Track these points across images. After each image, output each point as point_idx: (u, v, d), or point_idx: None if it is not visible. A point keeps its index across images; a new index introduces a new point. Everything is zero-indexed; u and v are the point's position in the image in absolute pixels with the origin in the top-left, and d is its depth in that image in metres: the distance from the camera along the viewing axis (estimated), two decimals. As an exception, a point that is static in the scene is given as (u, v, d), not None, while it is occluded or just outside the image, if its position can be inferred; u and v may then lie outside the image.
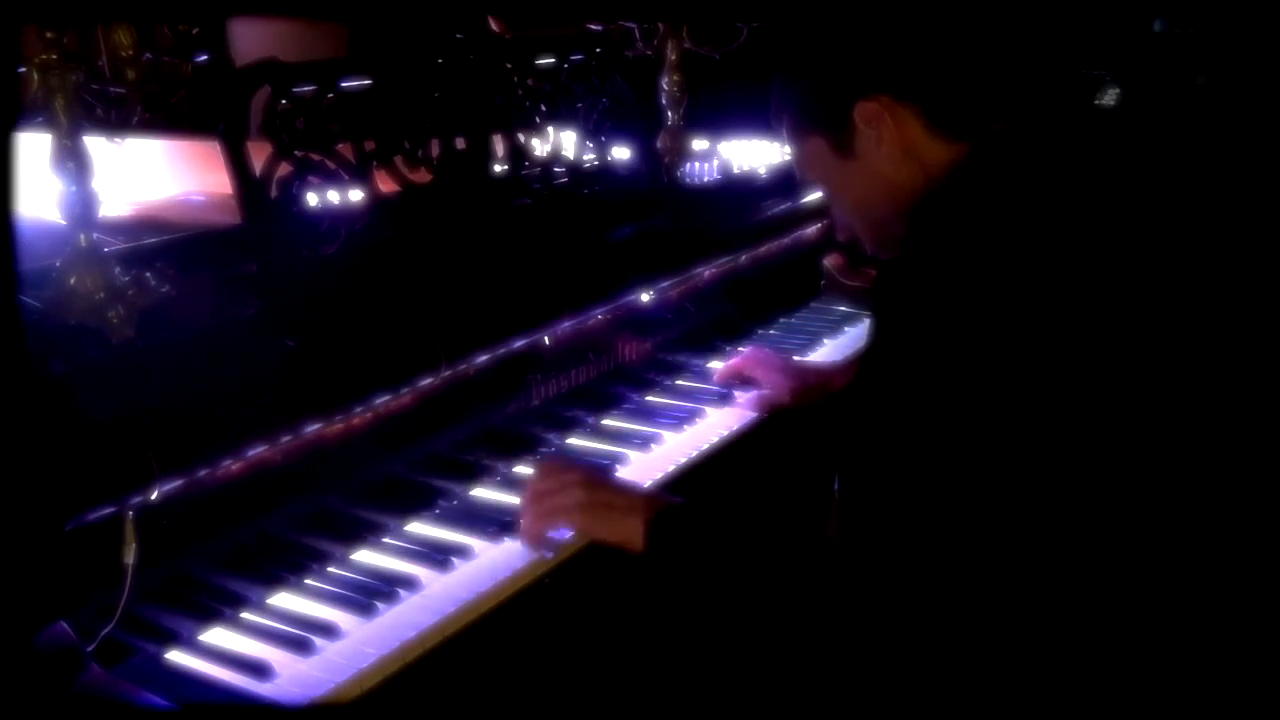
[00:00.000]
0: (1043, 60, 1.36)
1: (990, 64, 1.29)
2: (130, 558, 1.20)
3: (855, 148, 1.31)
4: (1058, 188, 1.24)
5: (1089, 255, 1.18)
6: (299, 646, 1.25)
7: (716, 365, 2.14)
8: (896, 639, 1.21)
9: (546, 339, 1.79)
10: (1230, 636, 1.21)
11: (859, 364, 1.29)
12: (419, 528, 1.52)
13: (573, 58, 1.95)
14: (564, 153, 1.94)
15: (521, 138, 1.84)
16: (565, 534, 1.47)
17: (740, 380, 2.00)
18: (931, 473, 1.15)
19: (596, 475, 1.52)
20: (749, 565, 1.32)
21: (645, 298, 2.00)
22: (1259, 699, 1.20)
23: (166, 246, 1.60)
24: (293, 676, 1.21)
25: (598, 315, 1.89)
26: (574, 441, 1.81)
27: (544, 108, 1.89)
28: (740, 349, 2.22)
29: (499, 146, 1.81)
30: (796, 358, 2.13)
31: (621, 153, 2.07)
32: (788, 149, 2.53)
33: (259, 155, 1.48)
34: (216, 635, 1.29)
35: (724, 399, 1.96)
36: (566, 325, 1.80)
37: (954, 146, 1.27)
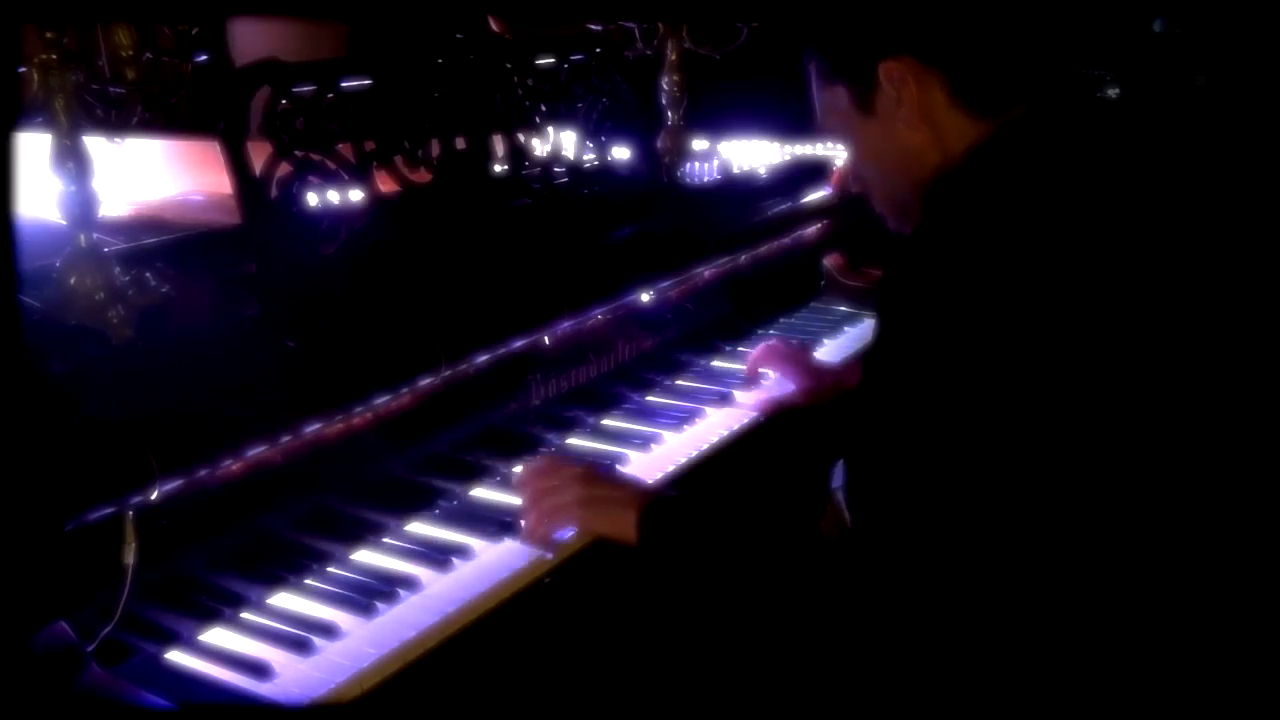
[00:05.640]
0: (1058, 52, 1.35)
1: (1017, 42, 1.27)
2: (130, 558, 1.20)
3: (876, 105, 1.28)
4: (1077, 184, 1.22)
5: (1106, 255, 1.16)
6: (299, 646, 1.25)
7: (718, 365, 2.15)
8: (896, 632, 1.21)
9: (546, 339, 1.78)
10: (1231, 628, 1.21)
11: (865, 358, 1.28)
12: (419, 528, 1.52)
13: (573, 58, 1.95)
14: (564, 153, 1.94)
15: (521, 138, 1.84)
16: (566, 533, 1.47)
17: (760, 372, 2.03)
18: (940, 467, 1.15)
19: (593, 471, 1.54)
20: (740, 556, 1.33)
21: (645, 298, 2.00)
22: (1259, 691, 1.20)
23: (166, 246, 1.60)
24: (293, 676, 1.21)
25: (598, 315, 1.89)
26: (574, 441, 1.81)
27: (544, 108, 1.89)
28: (742, 349, 2.23)
29: (499, 146, 1.81)
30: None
31: (621, 153, 2.07)
32: (786, 148, 2.58)
33: (259, 155, 1.48)
34: (216, 635, 1.28)
35: (724, 399, 1.96)
36: (567, 325, 1.80)
37: (975, 125, 1.25)
